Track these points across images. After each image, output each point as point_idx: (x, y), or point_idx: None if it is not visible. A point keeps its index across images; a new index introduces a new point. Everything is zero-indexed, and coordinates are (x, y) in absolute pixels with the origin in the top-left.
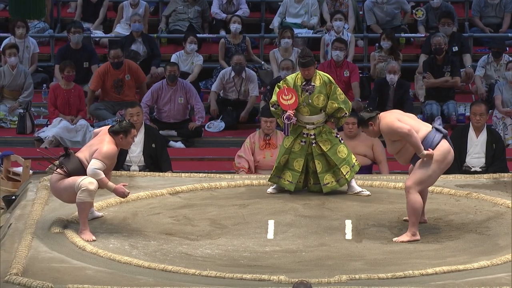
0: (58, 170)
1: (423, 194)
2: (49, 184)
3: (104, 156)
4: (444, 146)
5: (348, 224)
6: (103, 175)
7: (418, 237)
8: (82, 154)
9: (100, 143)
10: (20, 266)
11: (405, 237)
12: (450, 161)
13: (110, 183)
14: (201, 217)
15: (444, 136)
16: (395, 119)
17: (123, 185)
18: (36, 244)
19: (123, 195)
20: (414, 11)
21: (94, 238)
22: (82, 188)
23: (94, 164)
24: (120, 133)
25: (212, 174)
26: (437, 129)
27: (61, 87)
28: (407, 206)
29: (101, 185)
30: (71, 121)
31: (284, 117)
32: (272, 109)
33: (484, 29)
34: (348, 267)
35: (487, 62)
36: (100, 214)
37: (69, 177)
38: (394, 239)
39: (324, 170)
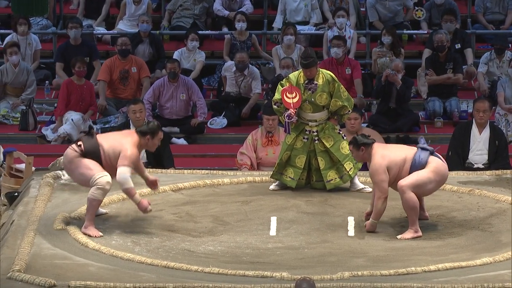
0: (74, 146)
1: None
2: (64, 154)
3: (131, 161)
4: (434, 160)
5: (351, 220)
6: (132, 185)
7: (420, 233)
8: (105, 142)
9: (124, 144)
10: (23, 262)
11: (408, 234)
12: (445, 173)
13: (137, 195)
14: (204, 214)
15: (431, 153)
16: (384, 167)
17: (148, 203)
18: (39, 241)
19: (145, 210)
20: (414, 11)
21: (100, 234)
22: (98, 186)
23: (126, 172)
24: (148, 134)
25: (215, 171)
26: (422, 149)
27: (74, 83)
28: (403, 206)
29: (127, 194)
30: (83, 119)
31: (285, 115)
32: (274, 106)
33: (487, 25)
34: (351, 264)
35: (489, 59)
36: (104, 211)
37: (84, 156)
38: (398, 236)
39: (327, 167)
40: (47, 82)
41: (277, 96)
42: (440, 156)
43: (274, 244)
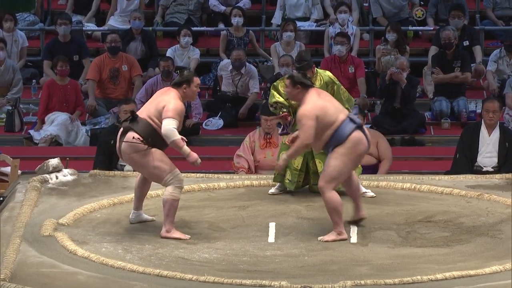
0: (134, 139)
1: (350, 185)
2: (123, 150)
3: (176, 112)
4: (355, 137)
5: (353, 227)
6: (179, 136)
7: (344, 236)
8: (145, 113)
9: (164, 100)
10: (8, 271)
11: (330, 236)
12: (362, 151)
13: (186, 147)
14: (199, 220)
15: (358, 127)
16: (315, 115)
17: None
18: (25, 248)
19: (195, 162)
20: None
21: (188, 236)
22: (176, 185)
23: (170, 123)
24: (183, 83)
25: (210, 174)
26: (351, 119)
27: (56, 83)
28: (326, 207)
29: (175, 146)
30: (70, 119)
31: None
32: (271, 109)
33: (496, 21)
34: (353, 272)
35: (499, 56)
36: (150, 217)
37: (148, 144)
38: (319, 238)
39: None
40: (34, 81)
41: (272, 99)
42: (367, 132)
43: (272, 251)
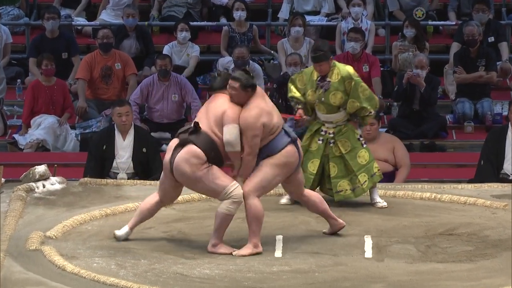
0: (199, 154)
1: (309, 201)
2: (176, 166)
3: (235, 117)
4: (288, 151)
5: (368, 240)
6: (239, 148)
7: (260, 249)
8: (206, 126)
9: (219, 107)
10: None
11: (246, 250)
12: (294, 166)
13: (239, 163)
14: (199, 232)
15: (292, 141)
16: (262, 124)
17: None
18: (9, 263)
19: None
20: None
21: (234, 250)
22: (235, 199)
23: (232, 131)
24: (249, 87)
25: None
26: (286, 132)
27: (41, 84)
28: (246, 214)
29: (231, 157)
30: (58, 122)
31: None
32: (292, 103)
33: None
34: None
35: None
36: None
37: (209, 160)
38: (234, 253)
39: (339, 176)
40: (19, 80)
41: (289, 93)
42: (299, 146)
43: (280, 267)
